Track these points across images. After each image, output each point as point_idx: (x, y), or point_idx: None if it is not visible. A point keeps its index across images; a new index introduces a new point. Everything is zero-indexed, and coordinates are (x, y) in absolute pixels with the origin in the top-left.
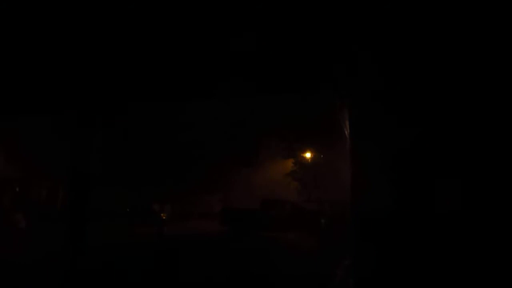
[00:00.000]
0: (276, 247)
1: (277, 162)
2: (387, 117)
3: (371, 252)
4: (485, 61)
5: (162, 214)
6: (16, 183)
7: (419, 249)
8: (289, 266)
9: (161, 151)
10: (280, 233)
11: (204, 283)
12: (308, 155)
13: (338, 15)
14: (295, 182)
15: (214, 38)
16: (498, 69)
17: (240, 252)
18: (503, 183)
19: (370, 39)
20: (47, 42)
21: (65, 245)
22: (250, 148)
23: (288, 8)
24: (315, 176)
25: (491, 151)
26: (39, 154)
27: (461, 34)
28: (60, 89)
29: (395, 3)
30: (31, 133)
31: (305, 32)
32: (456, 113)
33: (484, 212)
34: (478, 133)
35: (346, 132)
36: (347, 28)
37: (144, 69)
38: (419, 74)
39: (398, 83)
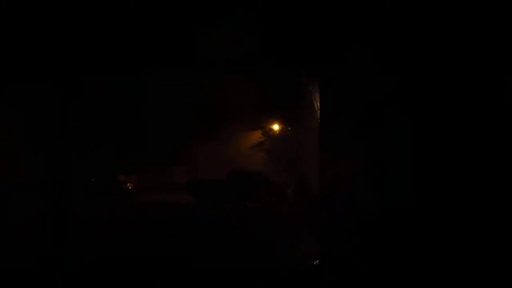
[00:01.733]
0: (243, 218)
1: (245, 134)
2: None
3: (337, 226)
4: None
5: (128, 185)
6: None
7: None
8: (255, 236)
9: (124, 123)
10: (247, 204)
11: (174, 255)
12: (275, 127)
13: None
14: (263, 154)
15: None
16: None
17: (207, 224)
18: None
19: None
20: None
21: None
22: (216, 120)
23: None
24: (282, 148)
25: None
26: None
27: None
28: (37, 58)
29: None
30: None
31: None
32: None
33: None
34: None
35: (315, 105)
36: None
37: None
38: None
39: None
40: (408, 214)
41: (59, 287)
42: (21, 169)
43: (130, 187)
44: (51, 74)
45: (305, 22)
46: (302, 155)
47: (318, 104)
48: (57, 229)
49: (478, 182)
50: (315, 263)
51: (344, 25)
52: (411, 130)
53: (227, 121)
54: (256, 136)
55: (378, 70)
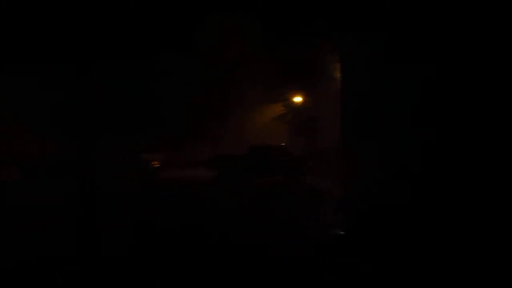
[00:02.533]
0: (264, 192)
1: (266, 107)
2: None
3: (366, 192)
4: None
5: (153, 163)
6: (6, 138)
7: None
8: (276, 210)
9: (146, 100)
10: (269, 178)
11: (197, 227)
12: (297, 99)
13: None
14: (284, 127)
15: None
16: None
17: (229, 197)
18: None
19: None
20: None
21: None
22: (237, 94)
23: None
24: (304, 120)
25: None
26: (24, 109)
27: None
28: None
29: None
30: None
31: None
32: None
33: None
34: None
35: (336, 78)
36: None
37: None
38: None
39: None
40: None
41: (89, 262)
42: (51, 150)
43: (154, 165)
44: (79, 56)
45: None
46: (322, 128)
47: (339, 77)
48: (88, 208)
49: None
50: (340, 233)
51: None
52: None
53: (248, 95)
54: (277, 109)
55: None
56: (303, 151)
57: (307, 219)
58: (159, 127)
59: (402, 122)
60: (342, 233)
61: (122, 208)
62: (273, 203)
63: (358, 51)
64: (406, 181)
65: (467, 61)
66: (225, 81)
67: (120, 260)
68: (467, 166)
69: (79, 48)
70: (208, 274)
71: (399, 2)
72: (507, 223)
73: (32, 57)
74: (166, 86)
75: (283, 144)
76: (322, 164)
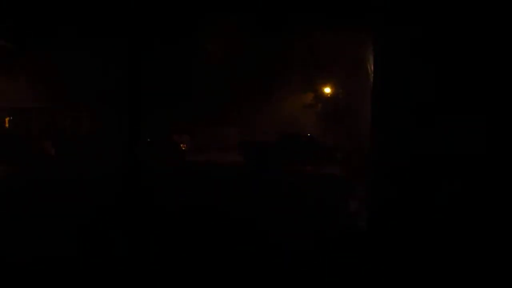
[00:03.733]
0: (291, 179)
1: (297, 96)
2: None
3: (389, 189)
4: None
5: (181, 145)
6: (43, 112)
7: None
8: (302, 197)
9: (176, 84)
10: (297, 166)
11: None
12: (328, 89)
13: None
14: (314, 117)
15: None
16: None
17: (256, 183)
18: None
19: None
20: None
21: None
22: (268, 81)
23: None
24: (334, 110)
25: None
26: (63, 84)
27: None
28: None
29: None
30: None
31: None
32: None
33: None
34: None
35: (369, 69)
36: None
37: None
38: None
39: (433, 33)
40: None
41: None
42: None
43: (183, 147)
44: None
45: None
46: (355, 119)
47: (372, 68)
48: (133, 184)
49: None
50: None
51: None
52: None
53: (280, 82)
54: (308, 98)
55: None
56: (331, 143)
57: (331, 210)
58: (190, 109)
59: (429, 118)
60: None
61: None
62: (300, 190)
63: (394, 44)
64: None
65: None
66: (259, 68)
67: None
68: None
69: (132, 29)
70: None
71: None
72: None
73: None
74: (201, 69)
75: (309, 134)
76: (350, 157)
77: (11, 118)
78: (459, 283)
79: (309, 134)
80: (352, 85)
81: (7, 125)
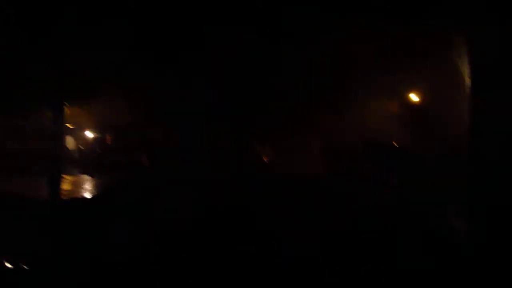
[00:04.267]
0: (377, 192)
1: (381, 104)
2: None
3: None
4: None
5: (263, 155)
6: (137, 127)
7: None
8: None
9: (255, 91)
10: (381, 177)
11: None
12: (415, 96)
13: None
14: (401, 126)
15: None
16: None
17: (339, 195)
18: None
19: None
20: None
21: None
22: (351, 89)
23: None
24: (422, 119)
25: None
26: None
27: None
28: None
29: None
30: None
31: None
32: None
33: None
34: None
35: (464, 77)
36: None
37: None
38: None
39: None
40: None
41: None
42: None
43: (264, 158)
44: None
45: None
46: (448, 128)
47: (468, 70)
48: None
49: None
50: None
51: None
52: None
53: (362, 89)
54: (392, 106)
55: None
56: (417, 151)
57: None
58: (268, 115)
59: None
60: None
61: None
62: (385, 201)
63: (492, 46)
64: None
65: None
66: (342, 73)
67: None
68: None
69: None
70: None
71: None
72: None
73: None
74: (281, 76)
75: (393, 142)
76: (441, 167)
77: (113, 134)
78: None
79: (393, 142)
80: (440, 89)
81: (109, 141)
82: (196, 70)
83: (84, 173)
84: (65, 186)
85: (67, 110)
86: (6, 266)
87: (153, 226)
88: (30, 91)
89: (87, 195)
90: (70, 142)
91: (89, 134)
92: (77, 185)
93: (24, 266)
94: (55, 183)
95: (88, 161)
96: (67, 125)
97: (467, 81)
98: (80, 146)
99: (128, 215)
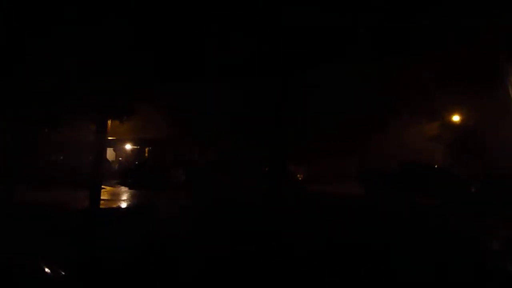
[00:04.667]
0: (416, 212)
1: (420, 125)
2: None
3: None
4: None
5: (298, 175)
6: (174, 143)
7: None
8: (428, 233)
9: (292, 114)
10: (421, 197)
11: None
12: (456, 118)
13: None
14: (440, 147)
15: None
16: None
17: (377, 215)
18: None
19: None
20: None
21: None
22: (390, 110)
23: None
24: (464, 140)
25: None
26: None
27: None
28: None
29: None
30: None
31: None
32: None
33: None
34: None
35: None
36: None
37: None
38: None
39: None
40: None
41: None
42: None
43: (300, 177)
44: None
45: None
46: (490, 150)
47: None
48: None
49: None
50: None
51: None
52: None
53: (401, 111)
54: (433, 127)
55: None
56: (464, 173)
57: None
58: (303, 139)
59: None
60: None
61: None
62: (425, 223)
63: None
64: None
65: None
66: (380, 95)
67: None
68: None
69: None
70: None
71: None
72: None
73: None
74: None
75: (436, 166)
76: (490, 190)
77: (150, 148)
78: None
79: (435, 166)
80: (486, 110)
81: (147, 154)
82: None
83: (122, 184)
84: (104, 196)
85: (109, 124)
86: (46, 272)
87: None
88: (73, 106)
89: (124, 205)
90: (110, 154)
91: (128, 147)
92: (116, 196)
93: (62, 272)
94: (96, 193)
95: (126, 173)
96: (109, 138)
97: None
98: (120, 159)
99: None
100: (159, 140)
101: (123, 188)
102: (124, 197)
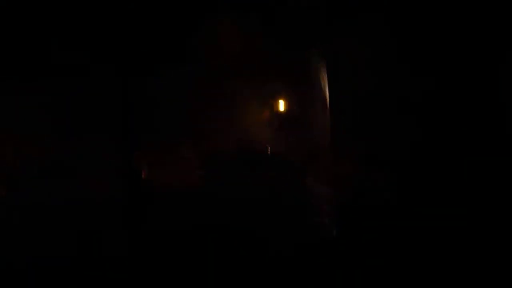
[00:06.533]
0: (251, 190)
1: (252, 110)
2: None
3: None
4: None
5: (143, 170)
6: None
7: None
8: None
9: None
10: (254, 177)
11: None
12: (282, 105)
13: None
14: (271, 131)
15: None
16: None
17: (215, 195)
18: None
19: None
20: None
21: None
22: (223, 96)
23: None
24: (290, 125)
25: None
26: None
27: None
28: None
29: None
30: None
31: None
32: None
33: None
34: None
35: (322, 85)
36: None
37: None
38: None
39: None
40: None
41: None
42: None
43: (145, 172)
44: None
45: None
46: (311, 134)
47: (326, 84)
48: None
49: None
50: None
51: None
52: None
53: (234, 97)
54: (265, 113)
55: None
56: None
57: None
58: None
59: (389, 120)
60: (335, 233)
61: None
62: (261, 200)
63: (344, 56)
64: (394, 176)
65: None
66: (217, 81)
67: None
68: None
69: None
70: None
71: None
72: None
73: None
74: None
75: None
76: (311, 165)
77: None
78: None
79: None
80: (305, 97)
81: None
82: None
83: None
84: None
85: None
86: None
87: None
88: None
89: None
90: None
91: None
92: None
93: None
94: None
95: None
96: None
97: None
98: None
99: None
100: None
101: None
102: None
